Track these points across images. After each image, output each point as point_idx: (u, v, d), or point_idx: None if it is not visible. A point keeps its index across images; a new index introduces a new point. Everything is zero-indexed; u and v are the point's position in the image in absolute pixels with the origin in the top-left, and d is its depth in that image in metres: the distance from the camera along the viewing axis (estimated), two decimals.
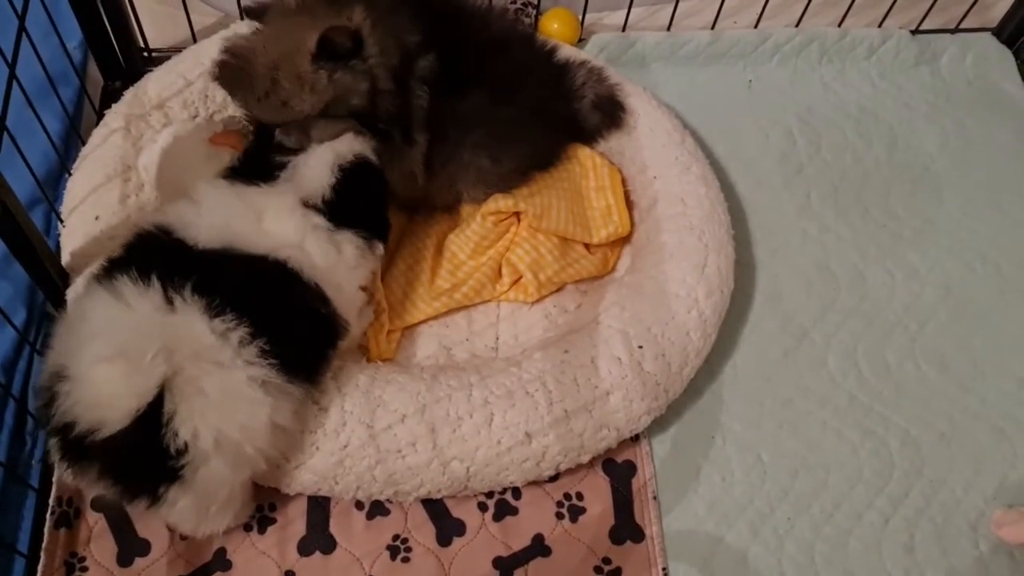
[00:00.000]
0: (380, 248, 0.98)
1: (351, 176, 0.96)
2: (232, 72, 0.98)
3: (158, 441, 0.79)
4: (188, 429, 0.80)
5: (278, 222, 0.92)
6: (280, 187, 0.94)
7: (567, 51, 1.22)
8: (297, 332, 0.90)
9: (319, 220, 0.93)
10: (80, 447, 0.78)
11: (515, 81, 1.09)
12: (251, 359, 0.84)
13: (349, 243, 0.95)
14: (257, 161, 0.97)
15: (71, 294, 1.01)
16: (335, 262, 0.94)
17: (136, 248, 0.89)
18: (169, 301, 0.83)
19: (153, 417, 0.78)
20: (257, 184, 0.94)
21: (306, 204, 0.93)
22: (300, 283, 0.90)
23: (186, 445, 0.80)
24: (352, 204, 0.96)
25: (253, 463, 0.87)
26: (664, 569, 0.98)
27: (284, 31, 0.98)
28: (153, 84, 1.16)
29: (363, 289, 1.01)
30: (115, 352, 0.78)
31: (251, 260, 0.88)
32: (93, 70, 1.28)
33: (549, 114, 1.14)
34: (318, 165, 0.95)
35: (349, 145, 0.97)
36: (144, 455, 0.80)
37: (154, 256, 0.87)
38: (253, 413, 0.84)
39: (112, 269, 0.86)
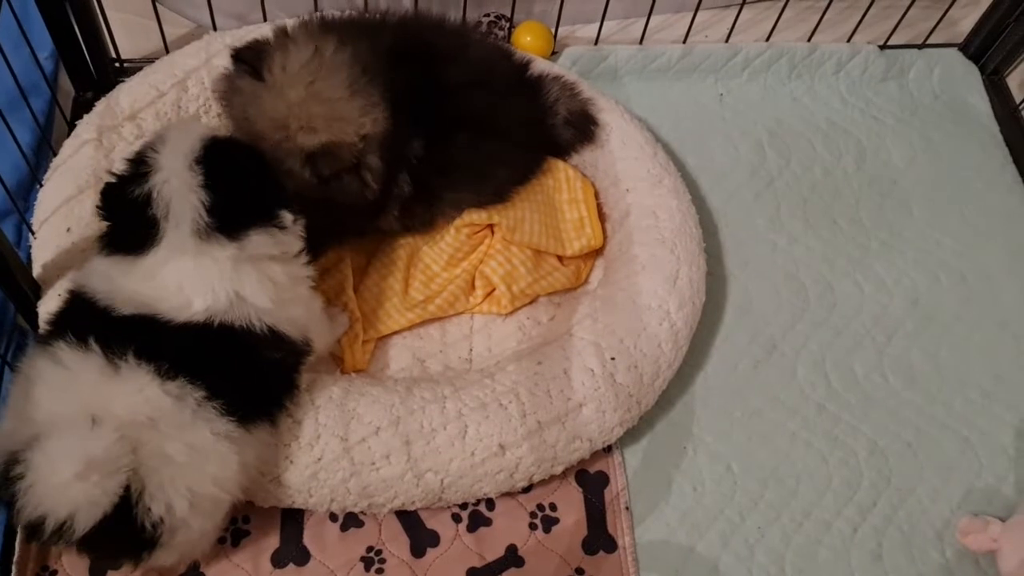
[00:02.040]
0: (289, 218, 0.87)
1: (213, 163, 0.84)
2: (240, 111, 0.99)
3: (132, 522, 0.78)
4: (160, 504, 0.79)
5: (190, 286, 0.83)
6: (166, 239, 0.83)
7: (541, 65, 1.23)
8: (255, 382, 0.88)
9: (224, 248, 0.83)
10: (51, 536, 0.75)
11: (494, 110, 1.10)
12: (211, 417, 0.82)
13: (264, 242, 0.85)
14: (125, 218, 0.85)
15: (42, 309, 1.00)
16: (271, 289, 0.86)
17: (72, 311, 0.86)
18: (113, 366, 0.80)
19: (123, 502, 0.76)
20: (143, 251, 0.84)
21: (197, 234, 0.83)
22: (248, 338, 0.85)
23: (161, 519, 0.79)
24: (235, 192, 0.85)
25: (231, 501, 0.87)
26: None
27: (294, 99, 0.96)
28: (125, 95, 1.15)
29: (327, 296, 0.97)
30: (78, 463, 0.73)
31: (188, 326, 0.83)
32: (64, 81, 1.27)
33: (526, 134, 1.15)
34: (175, 172, 0.84)
35: (193, 134, 0.87)
36: (120, 536, 0.79)
37: (90, 320, 0.83)
38: (223, 464, 0.84)
39: (52, 332, 0.85)
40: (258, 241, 0.85)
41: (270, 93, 0.97)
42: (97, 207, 0.86)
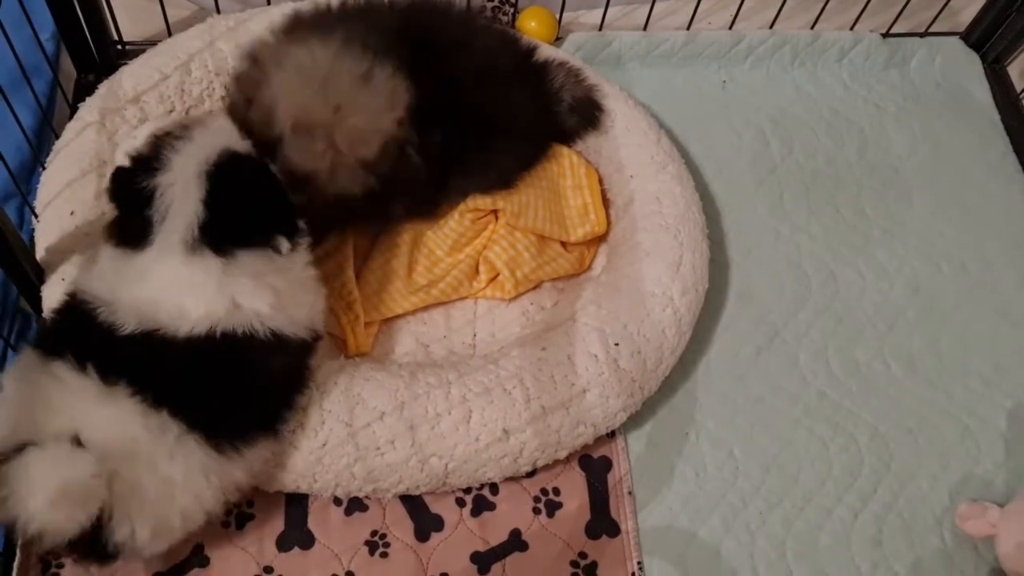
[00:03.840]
0: (286, 245, 0.85)
1: (222, 179, 0.83)
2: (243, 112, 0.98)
3: (96, 540, 0.79)
4: (125, 530, 0.79)
5: (181, 290, 0.82)
6: (157, 241, 0.82)
7: (546, 51, 1.22)
8: (259, 397, 0.87)
9: (212, 262, 0.82)
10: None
11: (500, 98, 1.09)
12: (192, 450, 0.82)
13: (253, 263, 0.84)
14: (129, 208, 0.84)
15: (45, 293, 1.00)
16: (270, 296, 0.84)
17: (72, 321, 0.85)
18: (108, 391, 0.80)
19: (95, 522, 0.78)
20: (139, 247, 0.82)
21: (186, 245, 0.81)
22: (253, 345, 0.83)
23: (123, 543, 0.80)
24: (233, 213, 0.83)
25: (203, 522, 0.87)
26: (639, 563, 1.00)
27: (330, 128, 0.95)
28: (128, 78, 1.15)
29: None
30: (54, 491, 0.74)
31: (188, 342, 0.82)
32: (66, 62, 1.26)
33: (531, 121, 1.15)
34: (183, 178, 0.82)
35: (216, 142, 0.85)
36: (84, 550, 0.81)
37: (85, 335, 0.82)
38: (196, 499, 0.84)
39: (51, 341, 0.84)
40: (247, 262, 0.83)
41: (301, 137, 0.95)
42: (107, 188, 0.86)
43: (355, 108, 0.96)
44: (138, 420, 0.80)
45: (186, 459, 0.82)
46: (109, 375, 0.80)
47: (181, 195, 0.82)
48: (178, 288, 0.82)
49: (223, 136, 0.85)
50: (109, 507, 0.78)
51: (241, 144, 0.86)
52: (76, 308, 0.84)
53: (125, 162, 0.86)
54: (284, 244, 0.85)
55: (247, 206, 0.85)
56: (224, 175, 0.83)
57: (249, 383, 0.86)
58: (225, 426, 0.84)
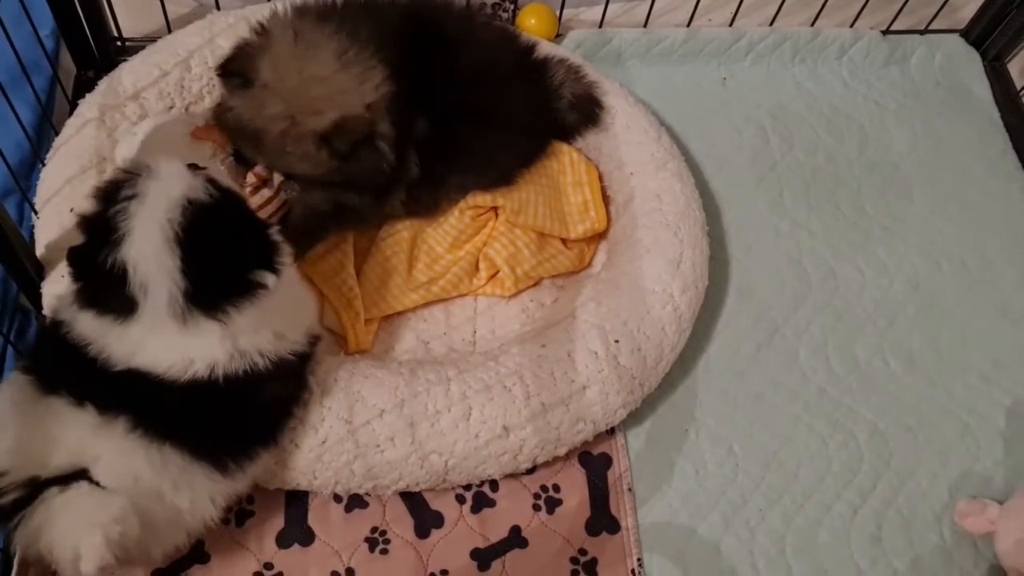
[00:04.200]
0: (272, 279, 0.80)
1: (192, 238, 0.77)
2: (235, 122, 0.98)
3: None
4: (139, 553, 0.81)
5: (184, 354, 0.80)
6: (145, 315, 0.78)
7: (546, 48, 1.22)
8: (259, 418, 0.87)
9: (208, 325, 0.79)
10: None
11: (499, 95, 1.10)
12: (198, 479, 0.82)
13: (248, 316, 0.80)
14: (100, 285, 0.79)
15: (45, 289, 1.00)
16: (269, 331, 0.83)
17: (58, 352, 0.83)
18: (106, 425, 0.79)
19: None
20: (123, 320, 0.79)
21: (176, 317, 0.78)
22: (255, 377, 0.82)
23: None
24: (214, 271, 0.79)
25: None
26: (639, 560, 1.00)
27: (292, 88, 0.96)
28: (128, 74, 1.14)
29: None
30: (98, 539, 0.75)
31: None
32: (65, 59, 1.26)
33: (531, 118, 1.15)
34: (151, 249, 0.77)
35: (172, 192, 0.78)
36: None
37: (78, 367, 0.80)
38: (204, 519, 0.85)
39: (39, 371, 0.83)
40: (243, 312, 0.80)
41: (266, 92, 0.96)
42: (68, 267, 0.80)
43: (320, 80, 0.96)
44: (140, 454, 0.80)
45: (191, 489, 0.82)
46: (107, 410, 0.79)
47: (155, 268, 0.77)
48: (177, 351, 0.80)
49: (178, 186, 0.79)
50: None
51: (197, 187, 0.79)
52: (64, 339, 0.81)
53: (76, 237, 0.80)
54: (270, 279, 0.80)
55: (227, 261, 0.80)
56: (194, 234, 0.78)
57: (251, 409, 0.85)
58: (228, 450, 0.85)
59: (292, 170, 1.01)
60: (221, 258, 0.80)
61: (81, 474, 0.78)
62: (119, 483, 0.79)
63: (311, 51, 0.97)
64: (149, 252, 0.77)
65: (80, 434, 0.79)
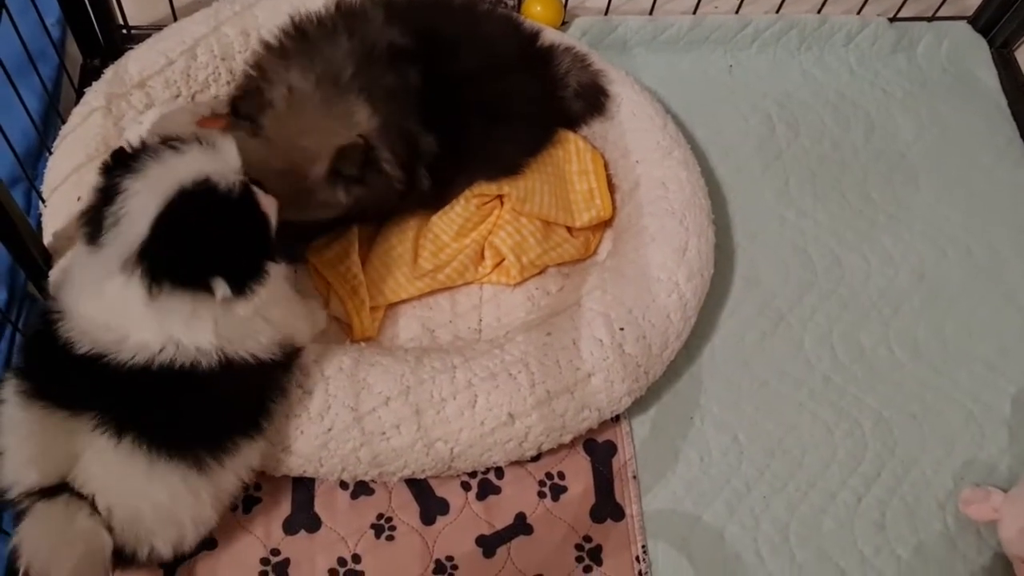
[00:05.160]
0: (225, 292, 0.78)
1: (176, 213, 0.77)
2: (247, 166, 0.97)
3: (123, 559, 0.84)
4: (144, 549, 0.83)
5: (123, 317, 0.78)
6: (103, 251, 0.78)
7: (551, 35, 1.22)
8: (217, 415, 0.85)
9: (139, 291, 0.76)
10: None
11: (505, 88, 1.09)
12: (169, 473, 0.81)
13: (176, 304, 0.78)
14: (98, 195, 0.80)
15: (52, 277, 1.00)
16: (208, 330, 0.79)
17: (41, 349, 0.83)
18: (77, 423, 0.80)
19: None
20: (92, 244, 0.78)
21: (123, 266, 0.76)
22: (199, 378, 0.80)
23: (148, 559, 0.84)
24: (181, 246, 0.77)
25: (217, 517, 0.89)
26: (643, 547, 1.00)
27: (289, 144, 0.96)
28: (134, 62, 1.15)
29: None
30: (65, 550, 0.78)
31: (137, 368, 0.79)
32: (72, 47, 1.26)
33: (537, 108, 1.15)
34: (142, 198, 0.77)
35: (198, 163, 0.79)
36: (121, 564, 0.85)
37: (54, 360, 0.81)
38: (198, 510, 0.85)
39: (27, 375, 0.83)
40: (179, 298, 0.78)
41: (269, 145, 0.96)
42: (103, 163, 0.81)
43: (310, 131, 0.97)
44: (109, 451, 0.80)
45: (164, 482, 0.81)
46: (76, 407, 0.80)
47: (138, 208, 0.77)
48: (117, 307, 0.78)
49: (213, 161, 0.79)
50: (122, 539, 0.81)
51: (229, 175, 0.79)
52: (47, 331, 0.81)
53: (131, 144, 0.82)
54: (222, 289, 0.77)
55: (193, 242, 0.78)
56: (185, 203, 0.77)
57: (206, 407, 0.83)
58: (197, 445, 0.83)
59: (314, 218, 1.01)
60: (188, 241, 0.78)
61: (65, 486, 0.79)
62: (102, 483, 0.80)
63: (298, 107, 0.97)
64: (143, 192, 0.77)
65: (62, 438, 0.80)
